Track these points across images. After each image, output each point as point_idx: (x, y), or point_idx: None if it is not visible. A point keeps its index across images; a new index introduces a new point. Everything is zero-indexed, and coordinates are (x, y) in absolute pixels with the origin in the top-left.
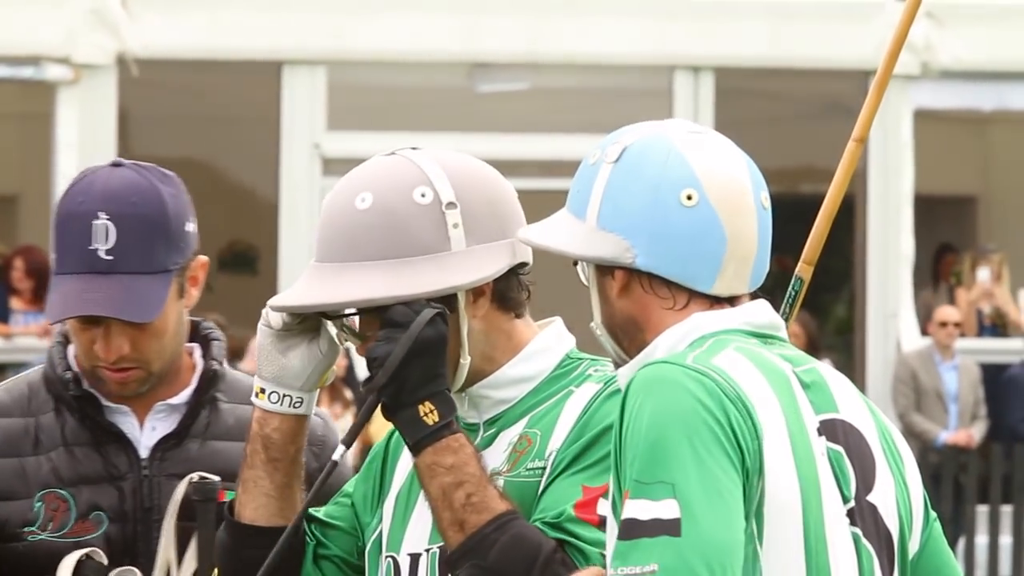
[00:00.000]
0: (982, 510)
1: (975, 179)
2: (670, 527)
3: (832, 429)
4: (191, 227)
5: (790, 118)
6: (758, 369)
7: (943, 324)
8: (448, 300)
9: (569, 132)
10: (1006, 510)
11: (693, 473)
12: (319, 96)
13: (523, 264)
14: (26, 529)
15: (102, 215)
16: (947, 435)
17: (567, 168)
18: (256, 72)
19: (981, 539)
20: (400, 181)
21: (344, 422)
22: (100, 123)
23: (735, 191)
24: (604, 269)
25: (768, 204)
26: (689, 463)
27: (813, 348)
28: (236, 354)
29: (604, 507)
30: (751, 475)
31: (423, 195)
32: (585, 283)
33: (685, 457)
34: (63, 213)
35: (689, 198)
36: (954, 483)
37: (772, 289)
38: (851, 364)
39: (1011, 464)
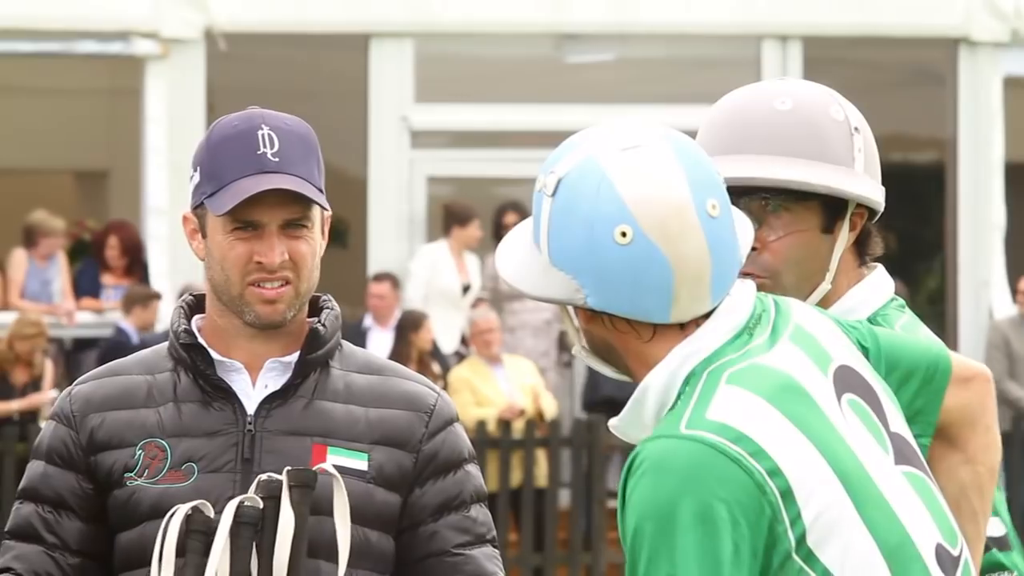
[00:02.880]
0: None
1: None
2: None
3: (842, 379)
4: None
5: (879, 87)
6: (758, 395)
7: None
8: (836, 213)
9: (656, 103)
10: None
11: (689, 566)
12: (407, 69)
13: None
14: (127, 475)
15: (264, 127)
16: None
17: None
18: (343, 45)
19: None
20: (816, 96)
21: None
22: (189, 98)
23: (671, 215)
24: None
25: (717, 211)
26: (690, 555)
27: None
28: None
29: None
30: (777, 524)
31: (837, 113)
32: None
33: (686, 549)
34: (217, 140)
35: (624, 235)
36: None
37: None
38: (943, 333)
39: None
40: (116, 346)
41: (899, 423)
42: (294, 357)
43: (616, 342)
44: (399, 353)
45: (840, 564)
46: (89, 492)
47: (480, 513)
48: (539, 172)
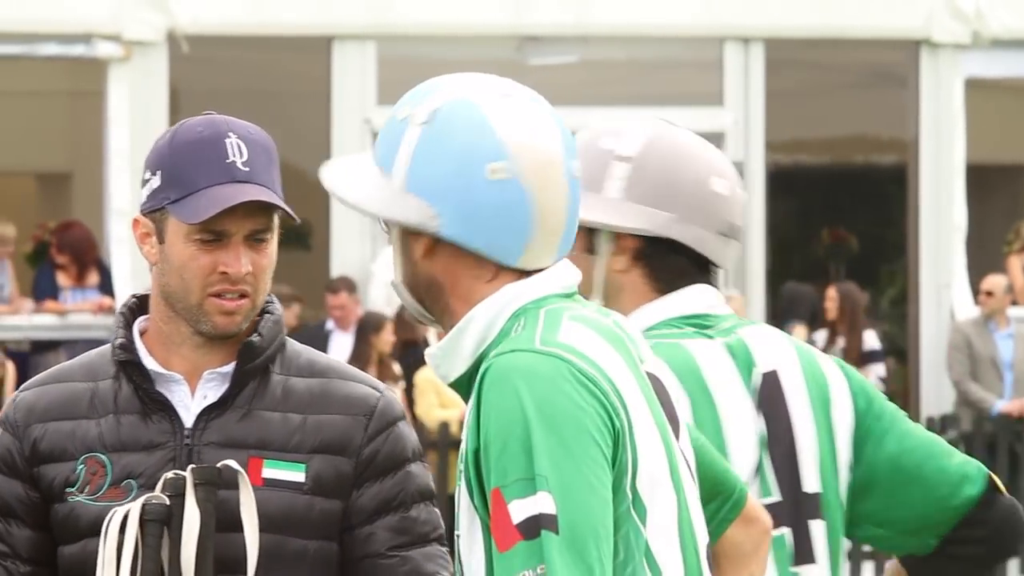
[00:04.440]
0: None
1: None
2: (549, 523)
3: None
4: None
5: (840, 88)
6: (600, 336)
7: (990, 293)
8: (591, 239)
9: (619, 104)
10: None
11: (565, 466)
12: (369, 70)
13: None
14: (68, 490)
15: (232, 135)
16: (1002, 404)
17: None
18: (306, 47)
19: None
20: (602, 127)
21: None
22: (151, 100)
23: (544, 164)
24: (410, 231)
25: (579, 173)
26: (559, 456)
27: (852, 320)
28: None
29: None
30: (621, 452)
31: (605, 143)
32: (386, 236)
33: (554, 450)
34: (180, 144)
35: (495, 171)
36: (1009, 452)
37: (824, 258)
38: (905, 334)
39: None
40: None
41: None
42: (231, 367)
43: (446, 279)
44: (359, 354)
45: (652, 522)
46: (36, 500)
47: (423, 512)
48: (399, 104)
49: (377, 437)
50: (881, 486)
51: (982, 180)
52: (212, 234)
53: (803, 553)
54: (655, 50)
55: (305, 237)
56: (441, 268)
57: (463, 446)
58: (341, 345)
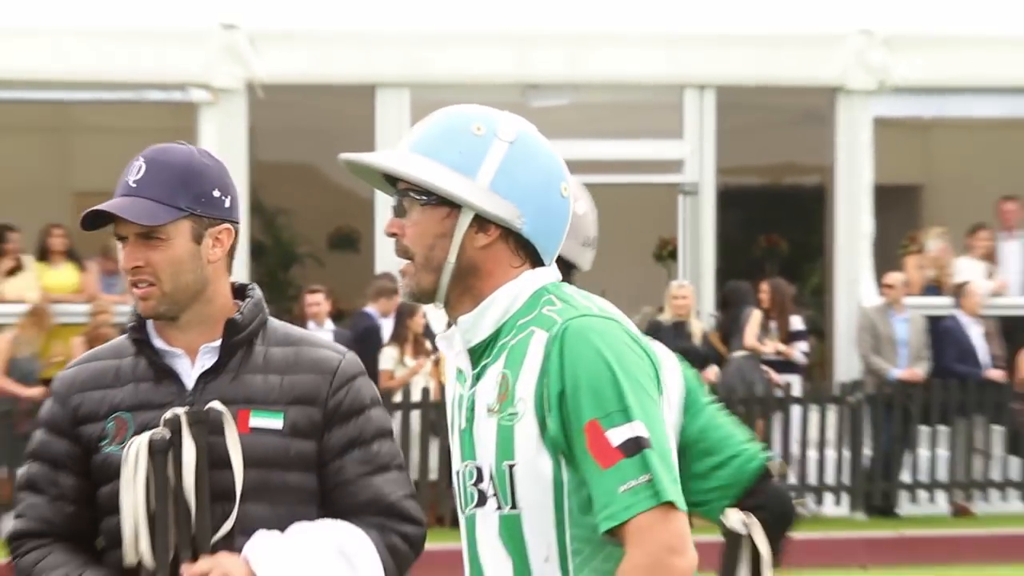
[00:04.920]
0: (925, 430)
1: (920, 172)
2: (647, 443)
3: None
4: (219, 195)
5: (776, 125)
6: (616, 309)
7: (891, 286)
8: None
9: (603, 138)
10: (943, 430)
11: (644, 399)
12: (404, 112)
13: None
14: (101, 443)
15: (141, 158)
16: (898, 372)
17: (602, 167)
18: (355, 94)
19: (924, 452)
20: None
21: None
22: (234, 136)
23: (573, 188)
24: (482, 223)
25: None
26: (641, 392)
27: (782, 307)
28: (340, 315)
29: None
30: (661, 393)
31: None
32: (412, 216)
33: (637, 388)
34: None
35: (565, 190)
36: (903, 410)
37: (761, 259)
38: (824, 318)
39: (947, 394)
40: (370, 328)
41: None
42: (219, 342)
43: (489, 266)
44: (398, 335)
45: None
46: (78, 454)
47: (383, 446)
48: (466, 120)
49: (340, 390)
50: (688, 451)
51: (885, 198)
52: (118, 237)
53: None
54: (630, 94)
55: (355, 242)
56: (489, 257)
57: (529, 392)
58: (384, 327)
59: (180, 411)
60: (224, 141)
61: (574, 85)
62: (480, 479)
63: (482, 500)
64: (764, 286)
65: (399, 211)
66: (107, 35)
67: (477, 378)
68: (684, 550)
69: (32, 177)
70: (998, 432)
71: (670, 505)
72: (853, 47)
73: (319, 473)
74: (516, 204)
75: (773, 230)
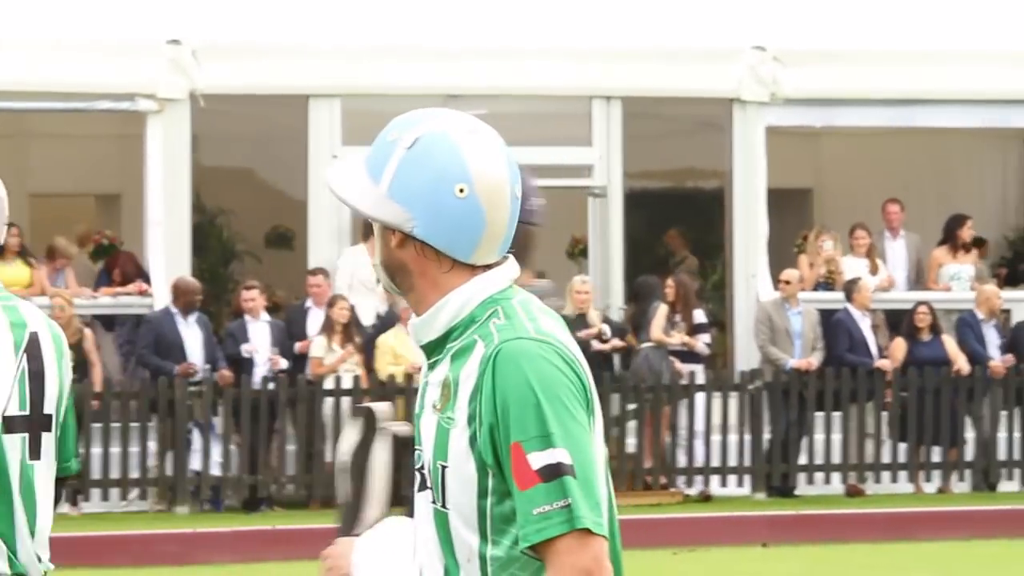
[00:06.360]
0: (819, 416)
1: (810, 177)
2: (567, 470)
3: None
4: None
5: (677, 133)
6: (560, 326)
7: (786, 282)
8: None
9: (519, 144)
10: (836, 415)
11: (570, 424)
12: (336, 120)
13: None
14: None
15: None
16: (794, 362)
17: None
18: (289, 103)
19: (819, 436)
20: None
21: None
22: (178, 142)
23: (497, 187)
24: (389, 226)
25: (519, 193)
26: (566, 418)
27: (686, 301)
28: (276, 308)
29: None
30: (592, 415)
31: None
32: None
33: (561, 413)
34: None
35: (461, 191)
36: (799, 397)
37: (666, 257)
38: (724, 311)
39: (839, 382)
40: None
41: None
42: None
43: (414, 266)
44: (328, 324)
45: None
46: None
47: None
48: (390, 128)
49: None
50: None
51: (778, 200)
52: None
53: (34, 450)
54: (543, 105)
55: (289, 240)
56: (410, 257)
57: (464, 404)
58: (315, 318)
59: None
60: (169, 147)
61: (492, 96)
62: (423, 467)
63: (423, 487)
64: (669, 281)
65: None
66: (61, 48)
67: (429, 371)
68: (600, 573)
69: None
70: (886, 417)
71: (586, 531)
72: (747, 62)
73: None
74: (408, 208)
75: (672, 227)
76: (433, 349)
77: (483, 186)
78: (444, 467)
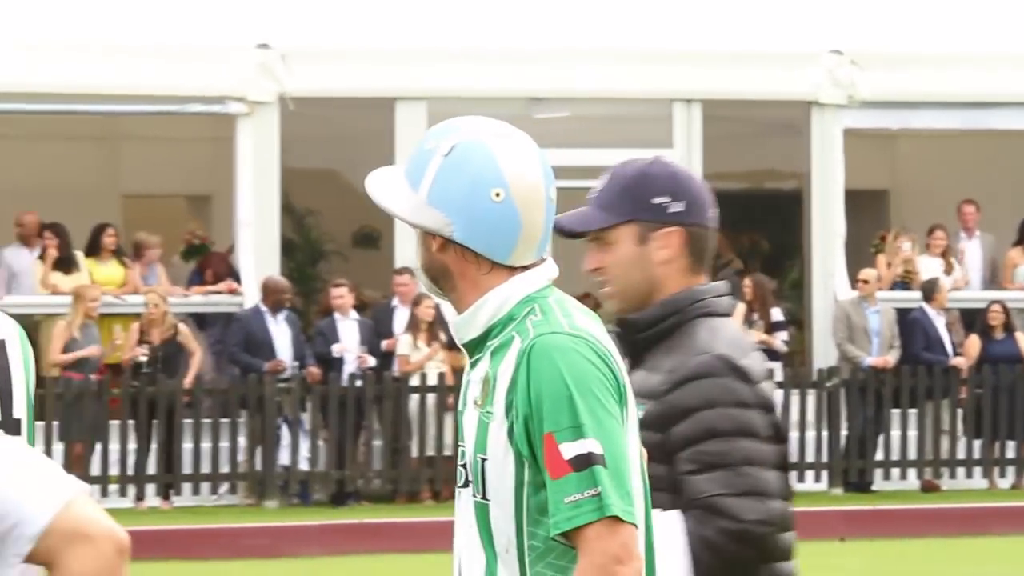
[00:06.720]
0: (895, 412)
1: (887, 178)
2: (598, 460)
3: None
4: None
5: (756, 135)
6: (595, 323)
7: (864, 281)
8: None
9: (598, 147)
10: (911, 412)
11: (602, 416)
12: (421, 123)
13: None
14: None
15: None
16: (871, 359)
17: (597, 173)
18: (376, 106)
19: (895, 433)
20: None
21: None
22: (267, 144)
23: (532, 190)
24: (429, 231)
25: (554, 196)
26: (598, 409)
27: (763, 300)
28: (363, 306)
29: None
30: (624, 407)
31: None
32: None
33: (593, 405)
34: None
35: (497, 195)
36: (876, 394)
37: (746, 257)
38: (802, 310)
39: (915, 379)
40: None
41: None
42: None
43: (455, 268)
44: (412, 323)
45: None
46: None
47: (710, 446)
48: (427, 137)
49: (675, 390)
50: None
51: (855, 201)
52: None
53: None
54: (624, 107)
55: (376, 240)
56: (451, 260)
57: (502, 397)
58: (401, 316)
59: None
60: (258, 149)
61: (573, 99)
62: (465, 463)
63: (466, 482)
64: (746, 281)
65: None
66: (154, 53)
67: (472, 369)
68: (629, 560)
69: (84, 181)
70: (961, 414)
71: (615, 518)
72: (825, 65)
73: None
74: (447, 213)
75: (752, 228)
76: (475, 347)
77: (518, 190)
78: (484, 460)
